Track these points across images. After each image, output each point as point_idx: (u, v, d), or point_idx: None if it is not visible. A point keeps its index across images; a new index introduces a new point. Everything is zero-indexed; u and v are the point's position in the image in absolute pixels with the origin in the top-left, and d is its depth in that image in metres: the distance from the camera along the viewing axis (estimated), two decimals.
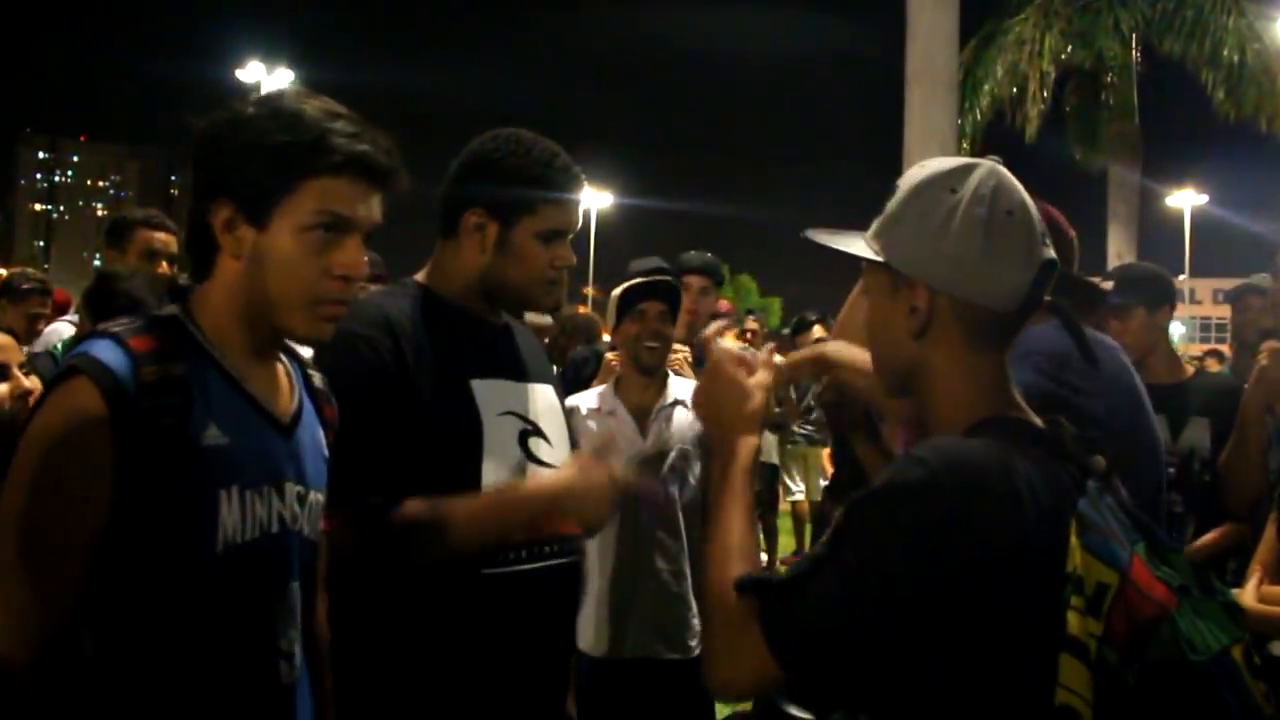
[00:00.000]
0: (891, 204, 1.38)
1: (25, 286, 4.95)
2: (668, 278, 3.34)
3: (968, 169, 1.35)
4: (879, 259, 1.36)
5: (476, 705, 1.95)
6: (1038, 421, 1.35)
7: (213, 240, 1.48)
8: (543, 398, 2.12)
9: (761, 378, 1.53)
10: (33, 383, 2.40)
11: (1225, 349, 11.40)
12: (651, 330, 3.22)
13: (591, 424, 3.23)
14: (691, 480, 3.26)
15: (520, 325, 2.25)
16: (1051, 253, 1.36)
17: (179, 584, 1.40)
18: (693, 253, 4.45)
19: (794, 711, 3.46)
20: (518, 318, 2.25)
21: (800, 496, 8.89)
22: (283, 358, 1.62)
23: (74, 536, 1.35)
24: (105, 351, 1.38)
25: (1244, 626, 1.28)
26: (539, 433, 2.07)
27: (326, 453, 1.66)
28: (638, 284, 3.27)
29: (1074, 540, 1.22)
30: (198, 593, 1.41)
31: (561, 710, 2.13)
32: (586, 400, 3.33)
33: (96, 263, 4.69)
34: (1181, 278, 45.86)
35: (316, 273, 1.46)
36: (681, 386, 3.35)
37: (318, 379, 1.70)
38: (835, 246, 1.41)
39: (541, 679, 2.05)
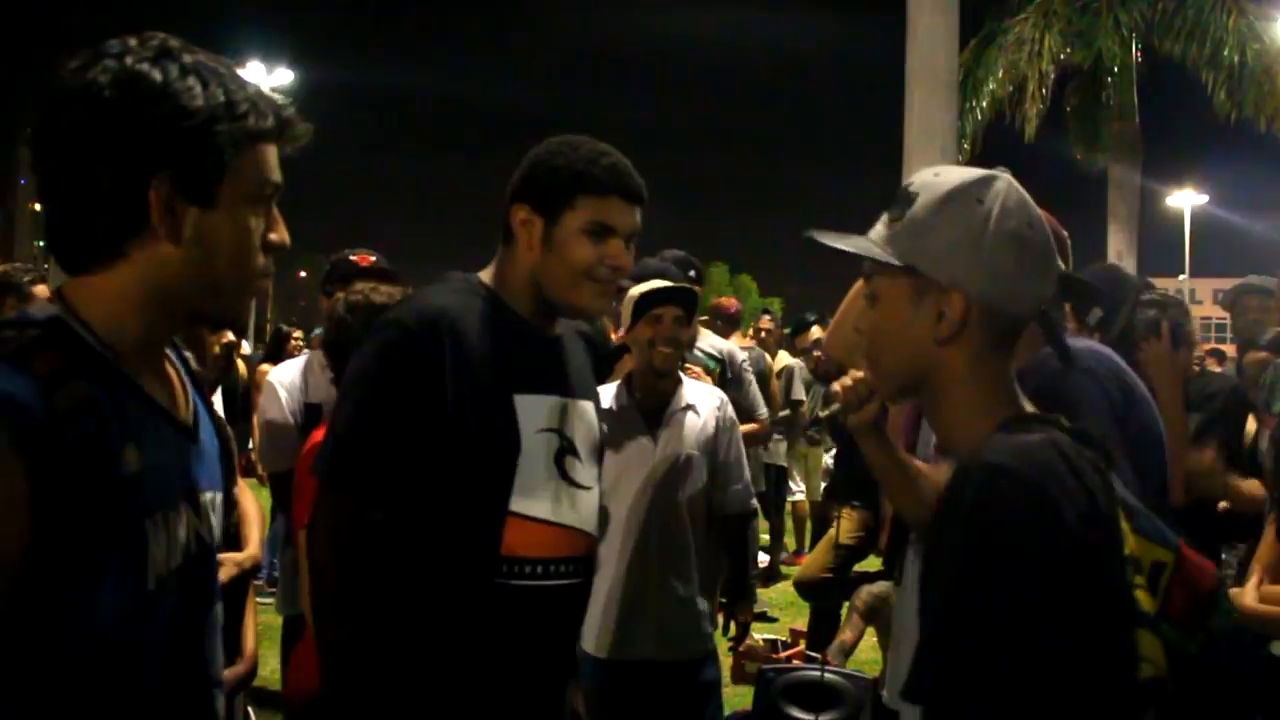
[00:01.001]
0: (917, 210, 1.38)
1: (27, 280, 4.84)
2: (686, 285, 3.36)
3: (989, 180, 1.38)
4: (906, 264, 1.37)
5: (479, 713, 1.96)
6: (1049, 417, 1.38)
7: (127, 224, 1.24)
8: (580, 415, 2.11)
9: None
10: None
11: (1225, 349, 11.40)
12: (666, 335, 3.22)
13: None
14: (699, 485, 3.26)
15: (573, 334, 2.24)
16: (1062, 264, 1.42)
17: (110, 630, 1.21)
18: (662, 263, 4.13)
19: (794, 712, 3.48)
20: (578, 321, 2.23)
21: (801, 497, 8.89)
22: (167, 350, 1.40)
23: None
24: (6, 381, 1.14)
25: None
26: (573, 450, 2.07)
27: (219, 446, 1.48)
28: (657, 289, 3.27)
29: (1125, 525, 1.27)
30: (130, 635, 1.24)
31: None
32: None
33: None
34: (1181, 278, 45.88)
35: (258, 247, 1.32)
36: (695, 390, 3.35)
37: (193, 361, 1.49)
38: (852, 250, 1.42)
39: (541, 696, 2.04)
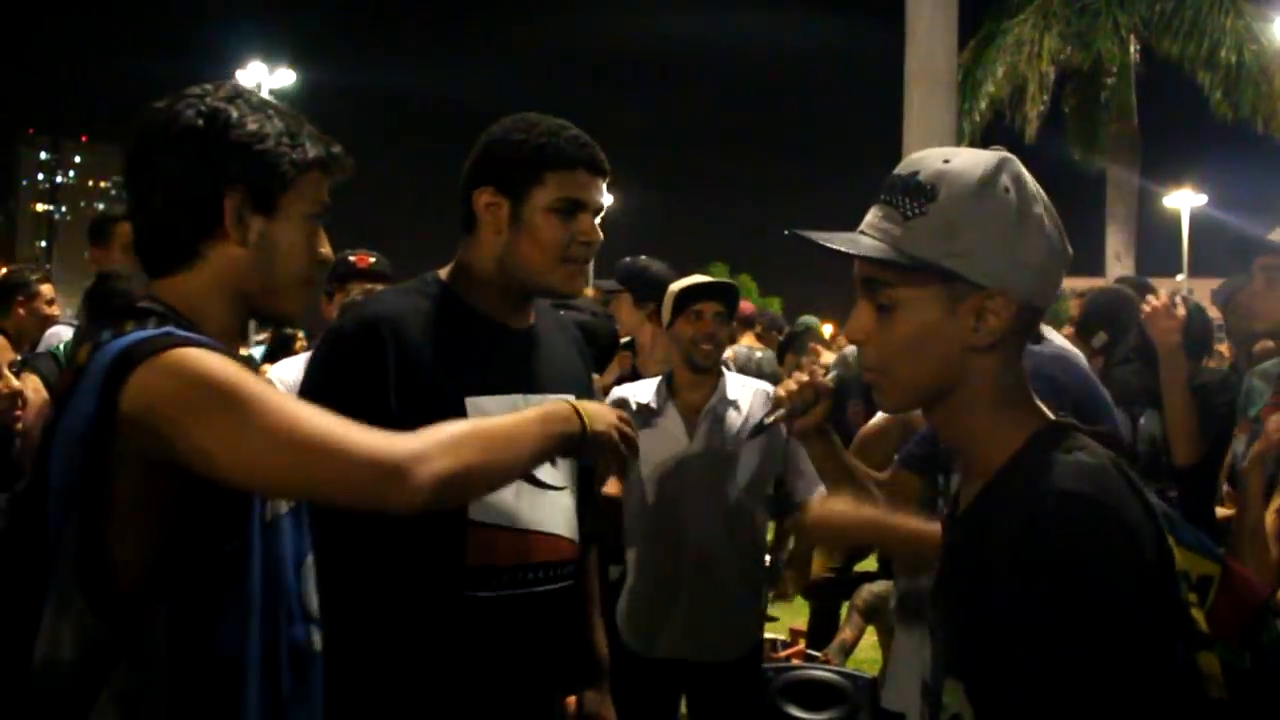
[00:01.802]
0: (946, 204, 1.22)
1: (35, 278, 4.77)
2: (728, 280, 3.32)
3: (1004, 163, 1.25)
4: (941, 267, 1.22)
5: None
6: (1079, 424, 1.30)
7: (204, 229, 1.49)
8: None
9: None
10: (24, 383, 2.41)
11: (1222, 349, 11.38)
12: (707, 332, 3.15)
13: (639, 421, 3.20)
14: (744, 482, 3.16)
15: (554, 323, 2.16)
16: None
17: (243, 552, 1.44)
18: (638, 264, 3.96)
19: (794, 711, 3.48)
20: (560, 304, 2.17)
21: None
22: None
23: None
24: (210, 341, 1.43)
25: None
26: None
27: None
28: (698, 285, 3.20)
29: (1170, 539, 1.18)
30: (251, 561, 1.45)
31: None
32: (638, 394, 3.25)
33: None
34: (1180, 278, 45.82)
35: (313, 256, 1.57)
36: (737, 385, 3.26)
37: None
38: (865, 254, 1.26)
39: (526, 705, 1.99)
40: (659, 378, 3.30)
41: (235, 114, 1.49)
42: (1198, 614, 1.17)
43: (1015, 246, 1.22)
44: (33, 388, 3.02)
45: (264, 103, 1.55)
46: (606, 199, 2.07)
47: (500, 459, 1.54)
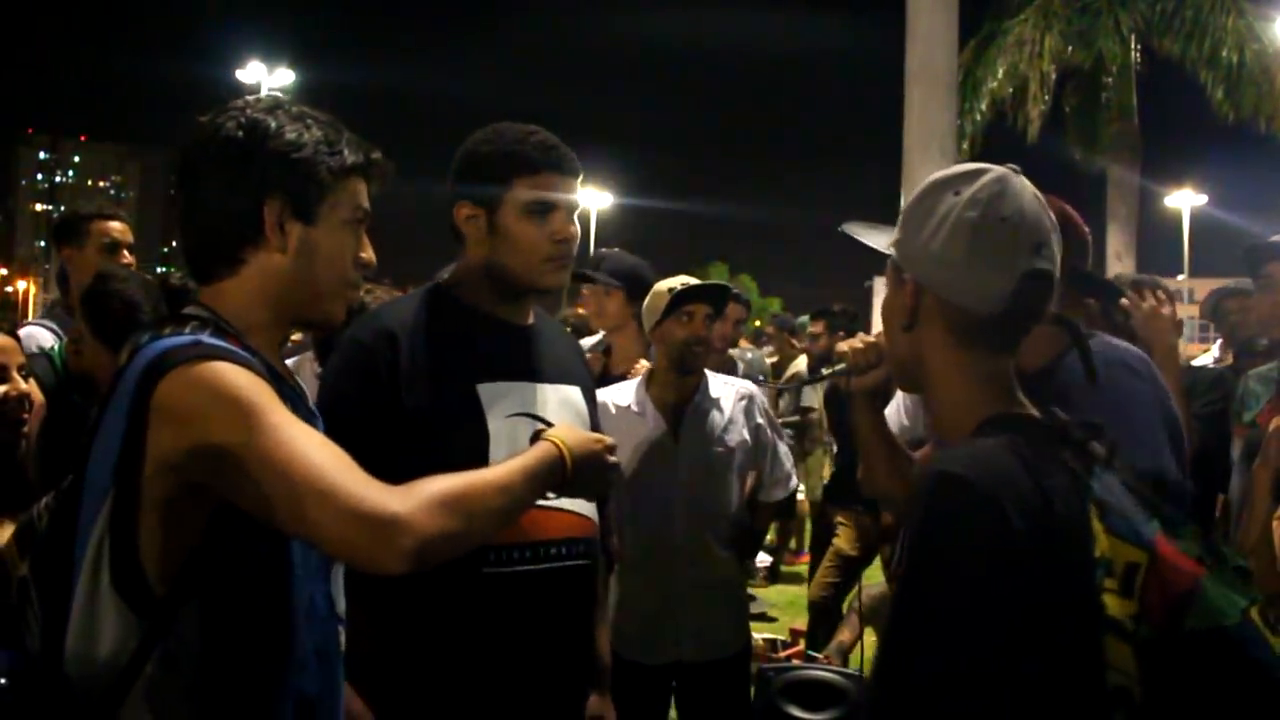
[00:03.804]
0: (907, 202, 1.45)
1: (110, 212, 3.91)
2: (720, 283, 3.32)
3: (976, 173, 1.40)
4: (888, 252, 1.44)
5: (479, 706, 1.95)
6: (1037, 414, 1.38)
7: (247, 236, 1.52)
8: (559, 397, 2.10)
9: None
10: (31, 386, 2.41)
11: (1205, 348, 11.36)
12: (699, 334, 3.15)
13: (620, 423, 3.17)
14: (727, 482, 3.19)
15: (553, 325, 2.24)
16: (1046, 264, 1.37)
17: (276, 554, 1.46)
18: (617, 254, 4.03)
19: (794, 711, 3.48)
20: (548, 305, 2.26)
21: (801, 496, 8.89)
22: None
23: None
24: (229, 351, 1.44)
25: (1254, 587, 1.32)
26: None
27: None
28: (693, 287, 3.19)
29: (1096, 525, 1.26)
30: (284, 563, 1.47)
31: (573, 714, 2.12)
32: (616, 396, 3.25)
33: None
34: (1180, 278, 45.83)
35: (353, 262, 1.60)
36: (719, 385, 3.26)
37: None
38: (861, 240, 1.49)
39: (547, 682, 2.03)
40: (638, 379, 3.30)
41: (274, 124, 1.53)
42: (1111, 599, 1.24)
43: (930, 238, 1.38)
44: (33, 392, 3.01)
45: (303, 113, 1.57)
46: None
47: (488, 518, 1.49)
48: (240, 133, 1.52)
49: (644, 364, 3.50)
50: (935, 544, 1.24)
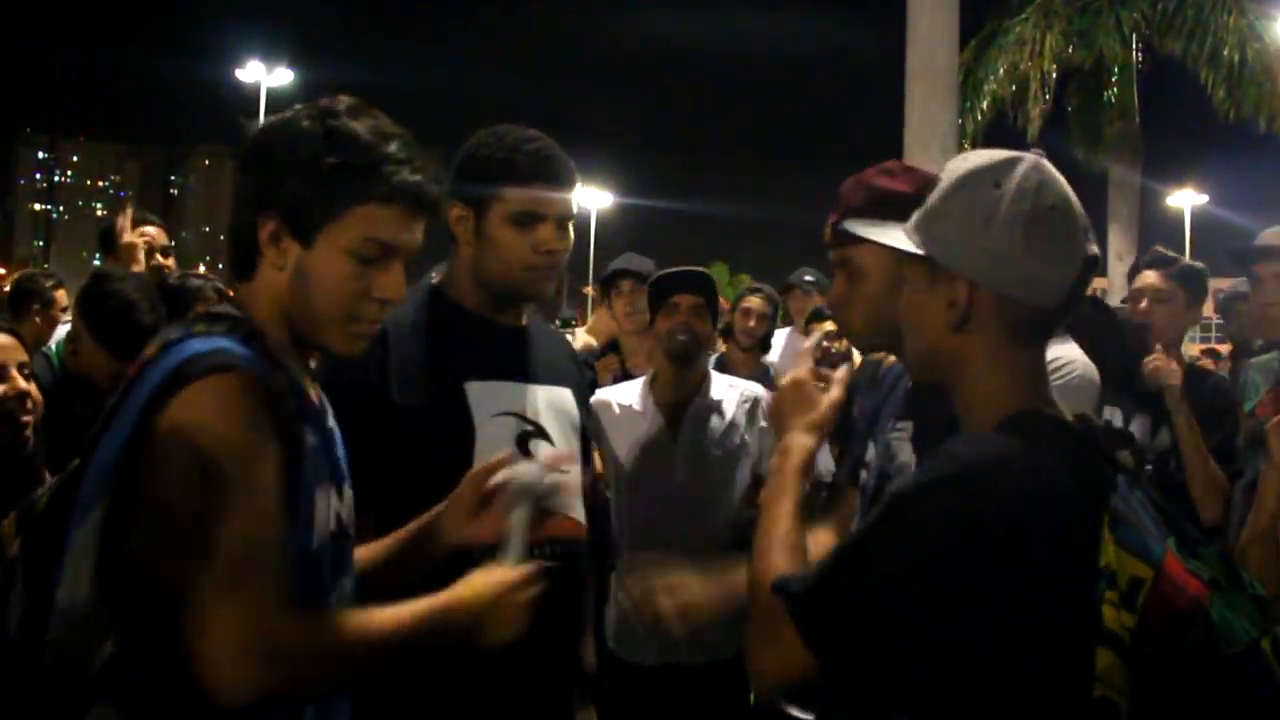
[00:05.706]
0: (934, 197, 1.38)
1: (50, 285, 4.64)
2: (700, 269, 3.27)
3: (1012, 162, 1.36)
4: (919, 253, 1.37)
5: (463, 707, 1.93)
6: (1069, 417, 1.37)
7: (255, 246, 1.49)
8: (548, 399, 2.10)
9: (834, 393, 1.60)
10: (31, 386, 2.39)
11: (1221, 349, 11.39)
12: (682, 323, 3.10)
13: (622, 422, 3.15)
14: (729, 485, 3.14)
15: (546, 327, 2.23)
16: (1094, 249, 1.37)
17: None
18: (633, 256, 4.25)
19: (794, 712, 3.46)
20: (546, 314, 2.26)
21: None
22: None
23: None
24: (244, 353, 1.39)
25: (1271, 619, 1.29)
26: (541, 434, 2.05)
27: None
28: (669, 275, 3.15)
29: (1106, 535, 1.23)
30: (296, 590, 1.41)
31: (559, 716, 2.10)
32: (621, 395, 3.22)
33: (96, 262, 4.63)
34: None
35: (358, 295, 1.48)
36: (722, 387, 3.22)
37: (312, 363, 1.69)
38: (874, 239, 1.45)
39: (532, 683, 2.01)
40: (643, 379, 3.27)
41: (296, 136, 1.46)
42: (1110, 611, 1.21)
43: (982, 235, 1.33)
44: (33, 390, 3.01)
45: (340, 130, 1.46)
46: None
47: (372, 669, 1.47)
48: (249, 146, 1.50)
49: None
50: (912, 498, 1.26)
